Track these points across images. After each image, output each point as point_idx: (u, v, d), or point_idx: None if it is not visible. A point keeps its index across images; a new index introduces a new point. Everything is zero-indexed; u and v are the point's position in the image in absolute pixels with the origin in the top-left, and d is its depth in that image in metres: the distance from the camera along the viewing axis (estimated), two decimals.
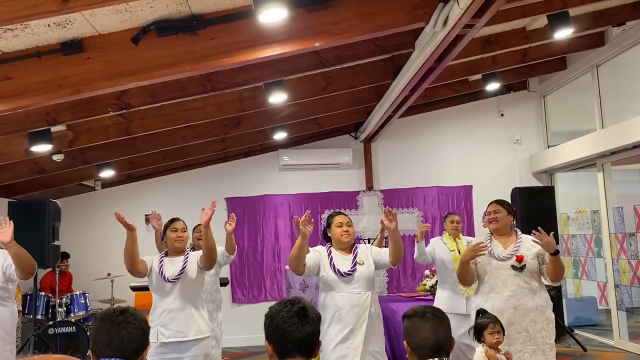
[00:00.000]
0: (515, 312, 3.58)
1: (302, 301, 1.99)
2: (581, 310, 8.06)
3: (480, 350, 3.24)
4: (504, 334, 3.27)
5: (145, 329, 1.91)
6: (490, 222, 3.79)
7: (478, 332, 3.26)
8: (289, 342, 1.88)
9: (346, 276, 3.67)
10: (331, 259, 3.71)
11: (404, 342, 2.12)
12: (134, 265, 3.68)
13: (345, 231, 3.75)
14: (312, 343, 1.92)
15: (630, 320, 6.95)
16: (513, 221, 3.82)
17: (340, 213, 3.94)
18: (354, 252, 3.76)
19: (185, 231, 4.03)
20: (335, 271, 3.65)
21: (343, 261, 3.71)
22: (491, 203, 3.87)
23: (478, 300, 3.73)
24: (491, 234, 3.82)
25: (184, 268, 3.74)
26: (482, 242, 3.70)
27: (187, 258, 3.81)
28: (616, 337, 6.90)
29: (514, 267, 3.60)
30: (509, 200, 7.10)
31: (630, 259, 6.66)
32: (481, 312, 3.38)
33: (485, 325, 3.23)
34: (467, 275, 3.73)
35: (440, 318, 2.10)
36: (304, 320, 1.91)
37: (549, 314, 3.69)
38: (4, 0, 2.93)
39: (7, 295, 3.61)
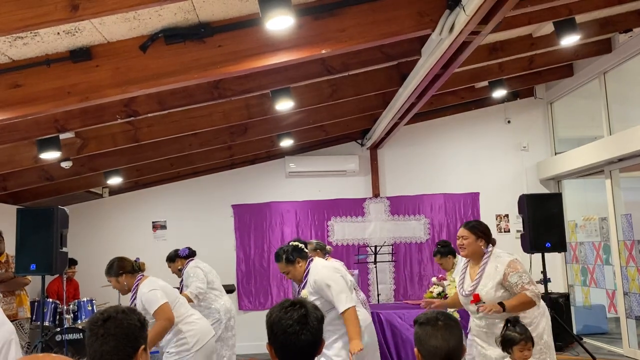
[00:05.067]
0: (488, 338, 3.52)
1: (304, 303, 1.94)
2: (590, 318, 7.99)
3: None
4: (533, 346, 3.18)
5: (129, 335, 1.84)
6: (460, 249, 3.63)
7: (507, 344, 3.17)
8: (290, 351, 1.87)
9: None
10: None
11: (415, 349, 2.11)
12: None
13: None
14: (313, 349, 1.91)
15: (639, 328, 6.88)
16: (487, 244, 3.58)
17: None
18: (302, 283, 3.70)
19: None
20: None
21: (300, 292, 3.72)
22: (461, 227, 3.69)
23: None
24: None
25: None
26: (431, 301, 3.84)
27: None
28: (625, 346, 6.84)
29: (477, 308, 3.44)
30: (515, 207, 7.12)
31: (639, 267, 6.60)
32: (512, 322, 3.21)
33: (517, 341, 3.12)
34: (455, 305, 4.00)
35: (451, 326, 2.08)
36: (304, 328, 1.87)
37: (531, 328, 3.40)
38: (14, 9, 2.97)
39: None
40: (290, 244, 3.75)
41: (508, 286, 3.43)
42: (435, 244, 5.86)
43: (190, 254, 5.86)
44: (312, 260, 3.72)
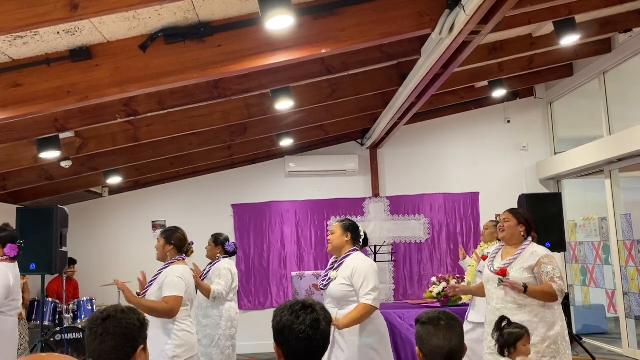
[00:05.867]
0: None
1: (314, 306, 1.90)
2: (589, 318, 8.00)
3: None
4: (529, 337, 3.20)
5: (128, 335, 1.84)
6: (499, 231, 3.74)
7: (510, 343, 3.11)
8: (302, 354, 1.85)
9: (323, 289, 3.61)
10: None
11: (417, 349, 2.11)
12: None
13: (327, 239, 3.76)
14: (323, 350, 1.90)
15: (639, 328, 6.89)
16: (526, 232, 3.65)
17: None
18: (337, 264, 3.62)
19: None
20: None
21: (328, 272, 3.66)
22: (505, 211, 3.78)
23: (482, 311, 3.73)
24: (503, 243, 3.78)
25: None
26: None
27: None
28: (625, 345, 6.84)
29: (498, 281, 3.53)
30: (515, 206, 7.12)
31: (638, 266, 6.61)
32: (507, 322, 3.21)
33: (521, 336, 3.10)
34: (479, 292, 3.98)
35: (453, 326, 2.08)
36: (317, 333, 1.84)
37: (543, 331, 3.44)
38: (13, 8, 2.97)
39: None
40: (359, 225, 3.74)
41: (538, 273, 3.48)
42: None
43: (232, 252, 5.49)
44: (357, 250, 3.66)
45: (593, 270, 7.69)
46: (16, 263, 4.21)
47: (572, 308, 7.80)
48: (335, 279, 3.53)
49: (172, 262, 3.73)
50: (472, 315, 4.88)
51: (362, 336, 3.47)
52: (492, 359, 3.56)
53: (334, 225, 3.73)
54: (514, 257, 3.58)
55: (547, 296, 3.42)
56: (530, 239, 3.66)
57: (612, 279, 7.16)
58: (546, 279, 3.44)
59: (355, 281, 3.46)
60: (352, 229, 3.66)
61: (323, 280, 3.65)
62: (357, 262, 3.53)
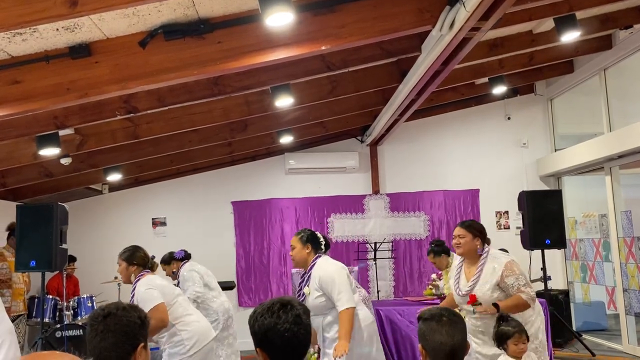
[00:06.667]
0: (483, 336, 3.52)
1: (292, 303, 1.89)
2: (589, 314, 8.01)
3: (502, 359, 3.19)
4: (528, 340, 3.21)
5: (128, 332, 1.85)
6: (456, 247, 3.65)
7: (501, 340, 3.18)
8: (289, 352, 1.84)
9: None
10: None
11: (419, 345, 2.10)
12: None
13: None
14: (308, 344, 1.89)
15: (639, 324, 6.89)
16: (483, 243, 3.59)
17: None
18: (306, 277, 3.68)
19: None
20: None
21: (301, 288, 3.72)
22: (457, 226, 3.70)
23: None
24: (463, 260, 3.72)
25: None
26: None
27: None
28: (625, 342, 6.85)
29: (473, 310, 3.47)
30: (515, 204, 7.13)
31: (638, 263, 6.61)
32: (503, 318, 3.25)
33: (510, 334, 3.15)
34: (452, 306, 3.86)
35: (456, 322, 2.08)
36: (300, 327, 1.84)
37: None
38: (13, 5, 2.96)
39: None
40: (316, 232, 3.78)
41: (504, 287, 3.46)
42: (429, 243, 5.86)
43: (186, 256, 5.81)
44: (319, 256, 3.70)
45: (593, 267, 7.69)
46: None
47: (572, 305, 7.81)
48: (310, 294, 3.59)
49: (137, 280, 3.76)
50: None
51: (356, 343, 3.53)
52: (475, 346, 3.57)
53: (292, 239, 3.79)
54: (476, 276, 3.53)
55: (520, 307, 3.43)
56: (487, 249, 3.59)
57: (612, 275, 7.16)
58: (513, 292, 3.43)
59: (324, 289, 3.55)
60: (310, 239, 3.72)
61: (299, 297, 3.68)
62: (320, 271, 3.60)
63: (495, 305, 3.38)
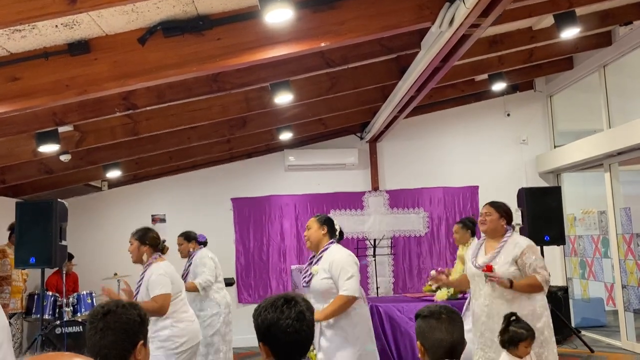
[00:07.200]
0: (488, 320, 3.56)
1: (296, 299, 1.89)
2: (588, 311, 8.02)
3: (504, 356, 3.22)
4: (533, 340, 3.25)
5: (128, 330, 1.85)
6: (481, 224, 3.75)
7: (513, 341, 3.18)
8: (291, 348, 1.85)
9: (305, 286, 3.62)
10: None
11: (418, 343, 2.11)
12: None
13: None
14: (310, 341, 1.90)
15: (637, 321, 6.91)
16: (508, 225, 3.69)
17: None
18: (316, 259, 3.64)
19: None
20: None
21: (308, 268, 3.68)
22: (485, 204, 3.81)
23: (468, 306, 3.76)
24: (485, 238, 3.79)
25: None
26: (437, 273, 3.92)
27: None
28: (623, 339, 6.86)
29: (485, 277, 3.56)
30: (515, 200, 7.13)
31: (637, 260, 6.62)
32: (515, 319, 3.24)
33: (524, 338, 3.17)
34: (461, 285, 4.00)
35: (454, 319, 2.09)
36: (303, 324, 1.84)
37: (530, 322, 3.43)
38: (11, 2, 2.95)
39: None
40: (333, 219, 3.78)
41: (521, 265, 3.51)
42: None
43: (205, 242, 5.79)
44: (333, 242, 3.69)
45: (592, 264, 7.70)
46: None
47: (571, 301, 7.82)
48: (317, 273, 3.55)
49: (151, 262, 3.76)
50: None
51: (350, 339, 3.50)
52: (482, 354, 3.58)
53: (310, 220, 3.78)
54: (497, 250, 3.61)
55: (533, 288, 3.49)
56: (511, 230, 3.71)
57: (611, 272, 7.17)
58: (529, 270, 3.50)
59: (333, 273, 3.50)
60: (327, 223, 3.72)
61: (305, 277, 3.66)
62: (335, 254, 3.58)
63: (510, 281, 3.45)
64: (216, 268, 5.58)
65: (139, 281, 3.79)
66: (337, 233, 3.76)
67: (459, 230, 5.41)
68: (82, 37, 3.73)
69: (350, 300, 3.45)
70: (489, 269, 3.52)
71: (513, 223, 3.77)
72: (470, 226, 5.35)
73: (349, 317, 3.51)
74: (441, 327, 2.05)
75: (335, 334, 3.49)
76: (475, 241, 5.12)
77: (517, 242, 3.58)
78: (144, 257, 3.86)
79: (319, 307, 3.46)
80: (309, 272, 3.63)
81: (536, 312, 3.54)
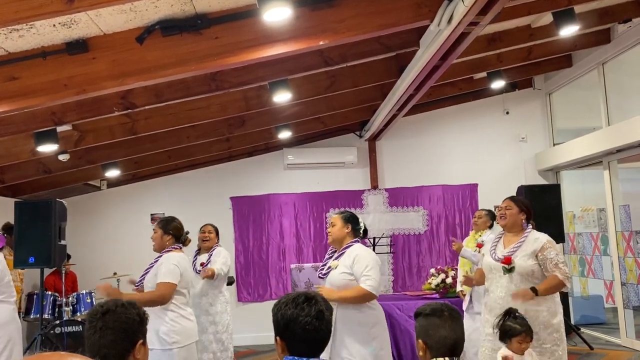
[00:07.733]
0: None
1: (316, 297, 1.89)
2: (588, 308, 8.03)
3: (502, 351, 3.23)
4: (531, 340, 3.23)
5: (127, 329, 1.86)
6: (500, 218, 3.77)
7: (506, 335, 3.21)
8: (308, 345, 1.85)
9: (322, 278, 3.60)
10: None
11: (419, 340, 2.11)
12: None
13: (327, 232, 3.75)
14: (327, 340, 1.90)
15: (637, 318, 6.92)
16: (526, 220, 3.72)
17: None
18: (338, 254, 3.61)
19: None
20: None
21: (327, 261, 3.66)
22: (506, 199, 3.82)
23: (480, 299, 3.76)
24: (503, 232, 3.81)
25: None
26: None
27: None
28: (623, 336, 6.87)
29: (504, 269, 3.57)
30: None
31: (636, 257, 6.62)
32: (512, 314, 3.26)
33: (517, 332, 3.18)
34: (481, 280, 3.96)
35: (455, 317, 2.11)
36: (322, 323, 1.84)
37: (547, 319, 3.51)
38: (9, 1, 2.95)
39: None
40: (357, 216, 3.74)
41: (542, 259, 3.52)
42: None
43: None
44: (358, 241, 3.65)
45: (591, 261, 7.71)
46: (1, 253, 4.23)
47: (570, 299, 7.83)
48: (336, 267, 3.52)
49: (169, 250, 3.75)
50: (478, 307, 4.87)
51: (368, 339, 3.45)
52: (489, 345, 3.58)
53: (334, 217, 3.71)
54: (518, 245, 3.61)
55: (557, 287, 3.51)
56: (530, 226, 3.72)
57: (610, 269, 7.18)
58: (550, 265, 3.51)
59: (356, 269, 3.45)
60: (352, 221, 3.67)
61: (322, 269, 3.64)
62: (359, 251, 3.54)
63: (533, 289, 3.43)
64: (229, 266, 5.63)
65: (150, 264, 3.76)
66: (362, 231, 3.72)
67: (483, 215, 5.38)
68: (80, 36, 3.72)
69: (368, 295, 3.41)
70: (507, 260, 3.55)
71: (532, 221, 3.78)
72: (493, 216, 5.31)
73: (364, 315, 3.46)
74: (445, 325, 2.06)
75: (350, 330, 3.45)
76: (489, 233, 5.15)
77: (537, 238, 3.61)
78: (166, 247, 3.80)
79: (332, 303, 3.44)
80: (327, 265, 3.60)
81: (551, 308, 3.55)
